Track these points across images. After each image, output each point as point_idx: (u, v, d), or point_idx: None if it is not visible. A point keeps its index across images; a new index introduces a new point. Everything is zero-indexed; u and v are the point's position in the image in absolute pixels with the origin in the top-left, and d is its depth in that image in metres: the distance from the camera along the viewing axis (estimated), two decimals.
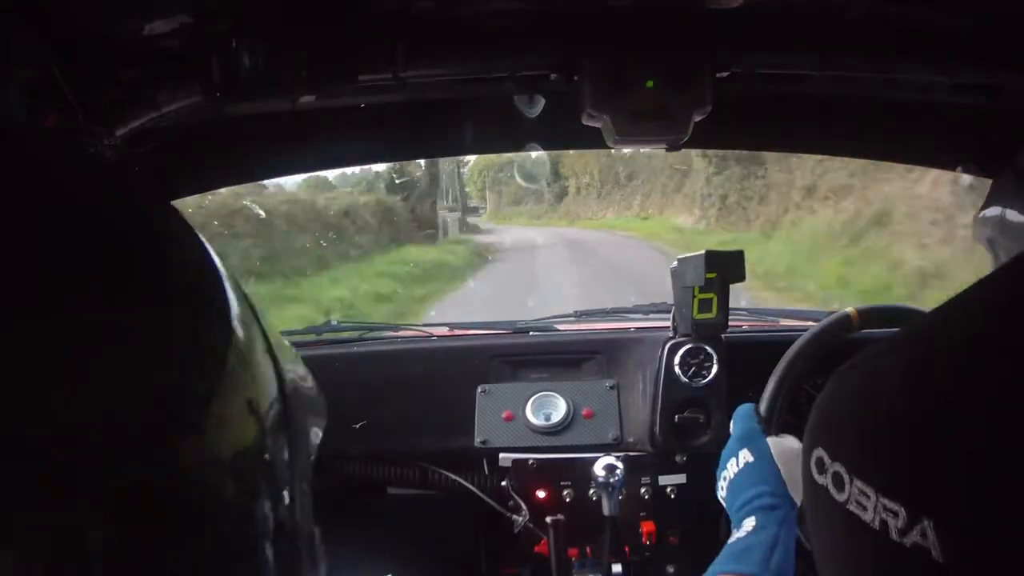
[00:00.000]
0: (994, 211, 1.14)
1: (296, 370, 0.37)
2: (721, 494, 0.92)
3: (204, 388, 0.26)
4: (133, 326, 0.25)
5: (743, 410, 0.98)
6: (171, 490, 0.24)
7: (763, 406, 1.01)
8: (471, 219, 30.04)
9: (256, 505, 0.29)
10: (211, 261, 0.30)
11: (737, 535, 0.81)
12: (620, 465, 1.23)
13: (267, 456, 0.30)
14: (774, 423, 1.00)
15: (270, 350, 0.32)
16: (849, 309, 1.11)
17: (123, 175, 0.33)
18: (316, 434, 0.38)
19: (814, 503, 0.35)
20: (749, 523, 0.81)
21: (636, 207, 21.93)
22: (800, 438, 0.52)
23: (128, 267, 0.26)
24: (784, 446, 0.91)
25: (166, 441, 0.25)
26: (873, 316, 1.09)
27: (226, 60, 0.78)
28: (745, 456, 0.89)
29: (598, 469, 1.23)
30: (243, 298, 0.32)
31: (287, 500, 0.32)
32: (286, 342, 0.38)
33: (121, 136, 0.87)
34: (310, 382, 0.41)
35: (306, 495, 0.34)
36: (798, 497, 0.85)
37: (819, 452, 0.35)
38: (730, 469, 0.90)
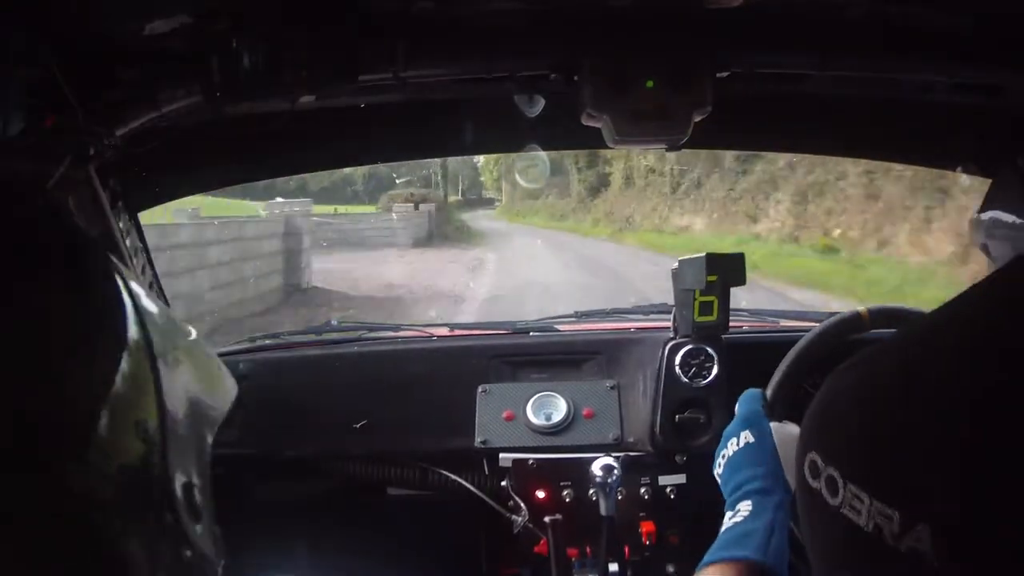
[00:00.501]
0: (991, 214, 1.15)
1: (188, 378, 0.39)
2: (717, 471, 0.92)
3: (88, 410, 0.28)
4: (21, 342, 0.27)
5: (750, 393, 0.99)
6: (58, 505, 0.26)
7: (769, 391, 1.02)
8: (483, 213, 28.83)
9: (145, 516, 0.31)
10: (109, 285, 0.33)
11: (733, 519, 0.81)
12: (617, 465, 1.23)
13: (155, 472, 0.32)
14: (778, 411, 1.00)
15: (154, 368, 0.34)
16: (860, 308, 1.11)
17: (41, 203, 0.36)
18: (207, 440, 0.39)
19: (808, 507, 0.35)
20: (745, 506, 0.81)
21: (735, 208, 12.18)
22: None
23: (24, 283, 0.28)
24: (785, 431, 0.91)
25: (52, 459, 0.27)
26: (883, 317, 1.10)
27: (226, 60, 0.78)
28: (746, 437, 0.90)
29: (595, 469, 1.23)
30: (137, 317, 0.34)
31: (180, 512, 0.34)
32: (190, 347, 0.40)
33: (121, 136, 0.87)
34: (208, 379, 0.42)
35: (203, 497, 0.35)
36: (792, 479, 0.86)
37: (813, 456, 0.35)
38: (730, 448, 0.91)
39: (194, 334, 0.43)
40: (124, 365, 0.31)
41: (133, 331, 0.33)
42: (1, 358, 0.26)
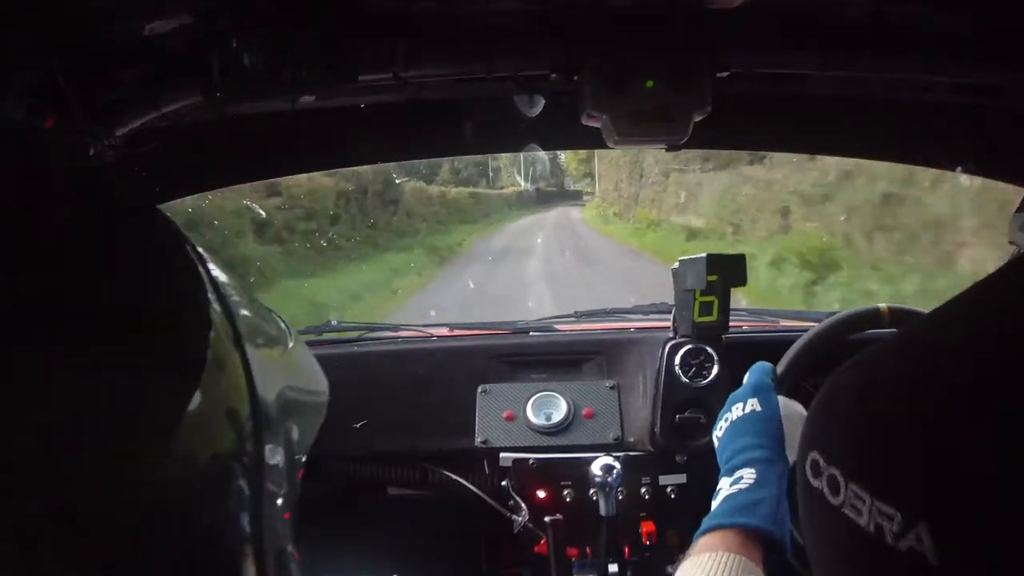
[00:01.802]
0: None
1: (281, 373, 0.38)
2: (717, 434, 0.91)
3: (177, 403, 0.27)
4: (109, 344, 0.26)
5: (761, 365, 0.99)
6: (143, 499, 0.26)
7: (780, 367, 1.02)
8: (570, 207, 29.02)
9: (232, 510, 0.30)
10: (195, 281, 0.32)
11: (737, 485, 0.80)
12: (617, 465, 1.24)
13: (245, 460, 0.31)
14: (786, 388, 1.00)
15: (245, 363, 0.33)
16: (881, 305, 1.12)
17: (116, 189, 0.34)
18: (300, 433, 0.38)
19: (809, 506, 0.35)
20: (748, 474, 0.80)
21: None
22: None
23: (106, 283, 0.27)
24: (791, 407, 0.91)
25: (140, 452, 0.26)
26: (905, 317, 1.11)
27: (226, 60, 0.78)
28: (753, 404, 0.89)
29: (595, 469, 1.23)
30: (225, 311, 0.33)
31: (262, 506, 0.32)
32: (287, 343, 0.39)
33: (121, 136, 0.87)
34: (304, 382, 0.41)
35: (285, 498, 0.34)
36: (793, 457, 0.85)
37: (814, 455, 0.35)
38: (735, 412, 0.90)
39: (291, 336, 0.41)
40: (212, 349, 0.30)
41: (218, 317, 0.31)
42: (86, 353, 0.25)
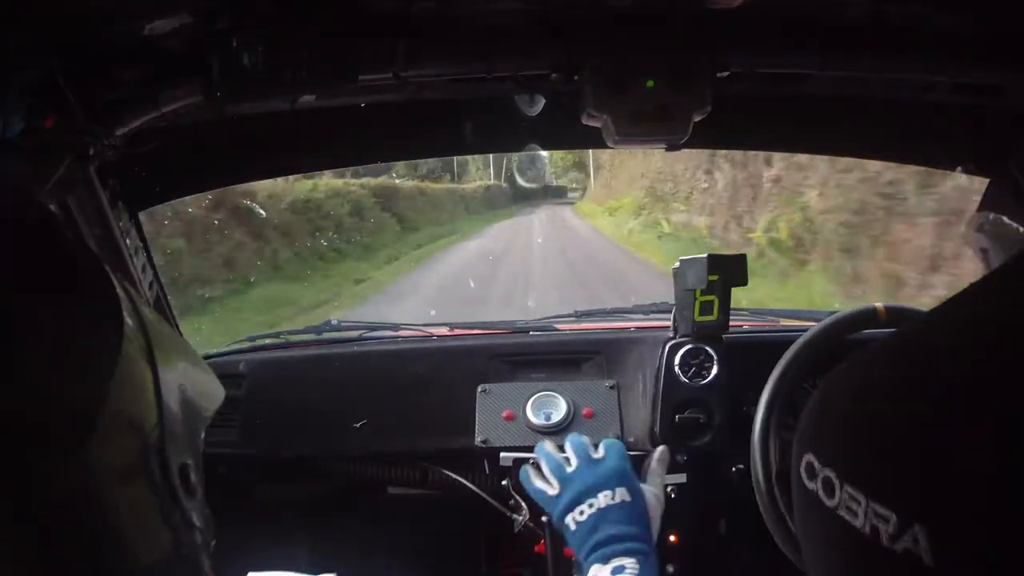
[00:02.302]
0: (986, 216, 1.15)
1: (185, 373, 0.41)
2: (576, 518, 0.92)
3: (87, 404, 0.30)
4: (24, 337, 0.29)
5: (615, 444, 1.02)
6: (54, 499, 0.29)
7: (779, 368, 1.05)
8: (557, 206, 27.39)
9: (142, 518, 0.34)
10: (108, 286, 0.35)
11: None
12: None
13: (150, 467, 0.34)
14: (785, 388, 1.03)
15: (155, 374, 0.36)
16: (877, 304, 1.12)
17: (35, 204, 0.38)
18: (199, 435, 0.42)
19: (804, 508, 0.35)
20: (629, 563, 0.83)
21: None
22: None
23: (23, 282, 0.30)
24: (651, 493, 0.96)
25: (51, 449, 0.29)
26: (902, 317, 1.10)
27: (226, 60, 0.78)
28: (623, 494, 0.92)
29: None
30: (135, 315, 0.36)
31: (177, 488, 0.36)
32: (179, 345, 0.43)
33: (121, 136, 0.87)
34: (199, 382, 0.44)
35: (196, 508, 0.39)
36: (652, 542, 0.91)
37: (809, 457, 0.34)
38: (603, 499, 0.92)
39: (183, 339, 0.44)
40: (124, 365, 0.32)
41: (132, 334, 0.34)
42: (7, 360, 0.28)
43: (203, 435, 0.43)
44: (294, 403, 1.38)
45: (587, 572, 0.85)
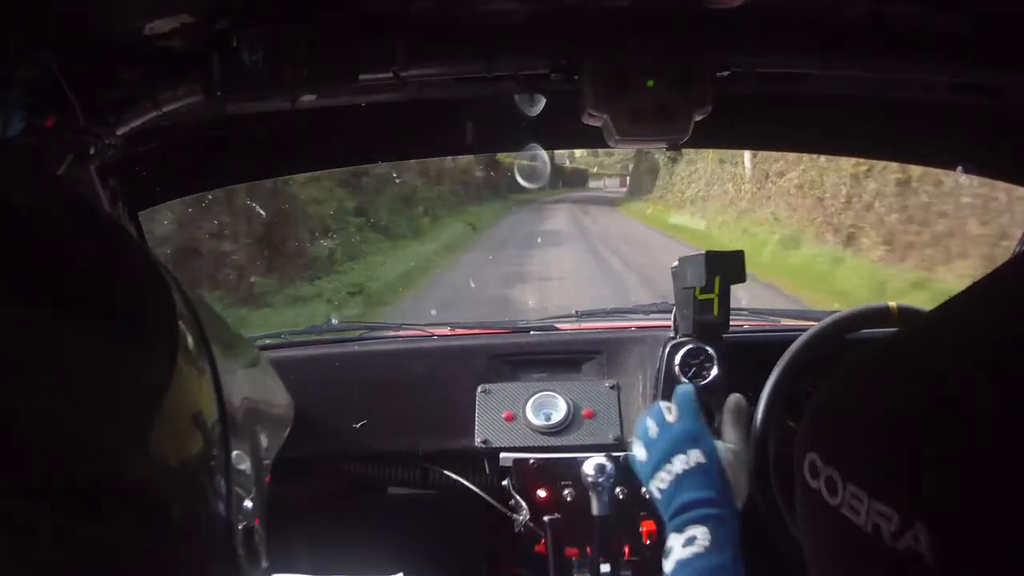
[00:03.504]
0: None
1: (248, 383, 0.40)
2: (659, 486, 0.88)
3: (149, 406, 0.29)
4: (85, 349, 0.28)
5: (686, 397, 0.95)
6: (120, 495, 0.27)
7: (781, 364, 1.04)
8: (580, 199, 23.29)
9: (202, 511, 0.32)
10: (165, 295, 0.34)
11: (690, 548, 0.78)
12: (609, 465, 1.23)
13: (212, 465, 0.33)
14: (786, 387, 1.02)
15: (214, 371, 0.35)
16: (891, 303, 1.12)
17: (92, 205, 0.37)
18: (269, 440, 0.41)
19: (807, 507, 0.35)
20: (701, 533, 0.78)
21: None
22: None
23: (85, 293, 0.29)
24: (728, 450, 0.90)
25: (114, 451, 0.28)
26: (914, 317, 1.10)
27: (226, 59, 0.78)
28: (697, 456, 0.86)
29: (587, 469, 1.23)
30: (194, 324, 0.35)
31: (234, 505, 0.35)
32: (249, 354, 0.42)
33: (121, 136, 0.87)
34: (269, 393, 0.43)
35: (253, 502, 0.37)
36: (739, 502, 0.85)
37: (812, 456, 0.35)
38: (676, 464, 0.87)
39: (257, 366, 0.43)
40: (181, 365, 0.32)
41: (190, 368, 0.33)
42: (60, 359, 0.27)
43: (279, 443, 0.42)
44: (294, 403, 1.38)
45: (667, 543, 0.82)
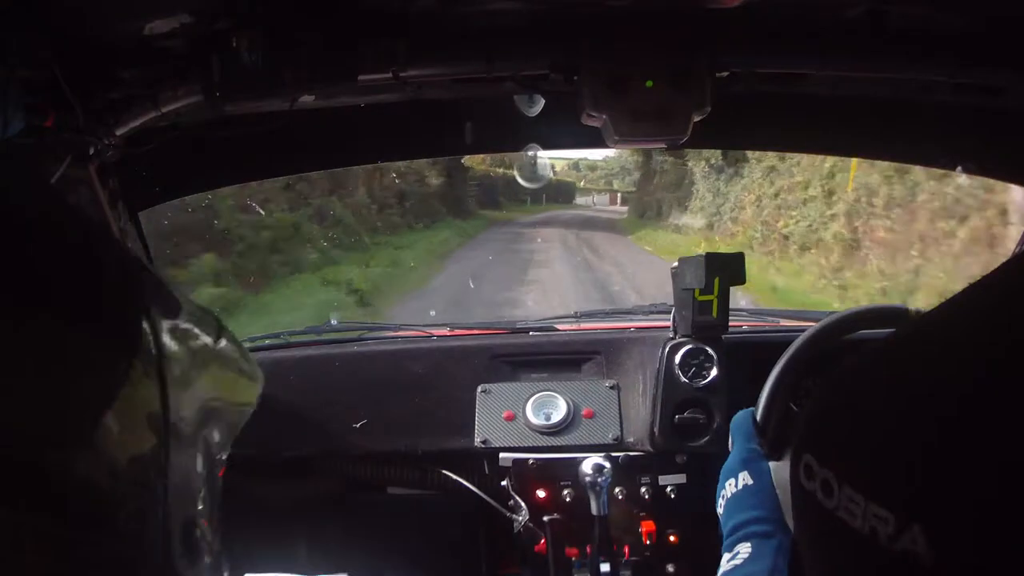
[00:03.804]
0: None
1: (204, 377, 0.40)
2: (719, 511, 0.91)
3: (95, 404, 0.30)
4: (33, 343, 0.28)
5: (741, 420, 0.98)
6: (63, 491, 0.28)
7: (782, 361, 1.02)
8: (570, 223, 16.74)
9: (136, 508, 0.32)
10: (123, 293, 0.34)
11: (733, 562, 0.79)
12: (607, 465, 1.24)
13: (151, 463, 0.33)
14: (788, 384, 1.01)
15: (160, 371, 0.35)
16: (911, 307, 1.12)
17: (54, 195, 0.37)
18: (220, 435, 0.41)
19: (802, 510, 0.35)
20: (744, 549, 0.80)
21: None
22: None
23: (36, 288, 0.29)
24: (783, 473, 0.90)
25: (57, 447, 0.28)
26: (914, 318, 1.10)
27: (226, 60, 0.78)
28: (744, 478, 0.89)
29: (585, 468, 1.23)
30: (151, 320, 0.35)
31: (173, 503, 0.35)
32: (212, 335, 0.42)
33: (121, 136, 0.87)
34: (229, 381, 0.43)
35: (204, 502, 0.37)
36: (779, 520, 0.86)
37: (808, 458, 0.34)
38: (728, 488, 0.90)
39: (209, 336, 0.43)
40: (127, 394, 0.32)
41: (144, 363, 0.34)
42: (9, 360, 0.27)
43: (223, 437, 0.42)
44: (294, 403, 1.38)
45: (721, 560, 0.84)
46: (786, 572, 0.78)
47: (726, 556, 0.82)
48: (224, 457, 0.42)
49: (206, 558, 0.37)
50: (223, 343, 0.43)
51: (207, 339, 0.41)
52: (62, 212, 0.35)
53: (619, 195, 29.07)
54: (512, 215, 20.14)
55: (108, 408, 0.30)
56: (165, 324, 0.36)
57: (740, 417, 0.99)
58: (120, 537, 0.31)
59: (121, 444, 0.31)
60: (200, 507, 0.37)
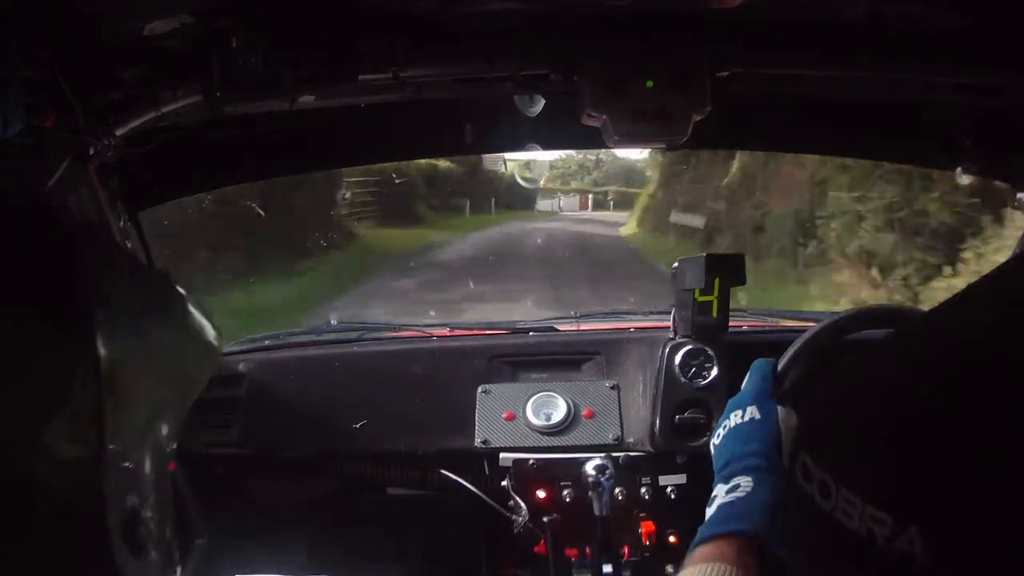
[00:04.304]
0: None
1: (152, 363, 0.40)
2: (714, 441, 0.90)
3: (41, 407, 0.31)
4: None
5: (761, 364, 0.96)
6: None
7: (786, 358, 1.02)
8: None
9: (78, 501, 0.34)
10: (63, 291, 0.35)
11: (734, 494, 0.78)
12: (610, 465, 1.23)
13: (88, 456, 0.34)
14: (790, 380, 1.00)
15: (96, 372, 0.35)
16: (912, 308, 1.11)
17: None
18: (167, 434, 0.41)
19: (799, 509, 0.35)
20: (745, 481, 0.79)
21: None
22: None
23: None
24: (791, 417, 0.88)
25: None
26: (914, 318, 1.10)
27: (226, 60, 0.78)
28: (752, 412, 0.87)
29: (588, 469, 1.23)
30: (89, 320, 0.36)
31: (112, 497, 0.36)
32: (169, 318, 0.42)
33: (121, 136, 0.87)
34: (177, 375, 0.44)
35: (153, 491, 0.38)
36: (779, 460, 0.84)
37: (805, 458, 0.34)
38: (733, 419, 0.88)
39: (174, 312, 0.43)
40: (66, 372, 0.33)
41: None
42: None
43: (172, 426, 0.42)
44: (294, 403, 1.38)
45: (712, 492, 0.82)
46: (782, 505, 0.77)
47: (722, 487, 0.80)
48: (172, 449, 0.43)
49: (152, 552, 0.37)
50: (187, 317, 0.43)
51: (162, 325, 0.42)
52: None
53: (590, 197, 25.74)
54: (426, 236, 11.89)
55: (49, 406, 0.30)
56: (111, 321, 0.36)
57: (761, 360, 0.97)
58: (53, 532, 0.31)
59: (58, 443, 0.32)
60: (146, 501, 0.38)
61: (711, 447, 0.91)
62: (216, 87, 0.80)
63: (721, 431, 0.89)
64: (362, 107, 1.07)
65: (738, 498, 0.77)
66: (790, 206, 8.14)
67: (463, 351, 1.45)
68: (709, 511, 0.78)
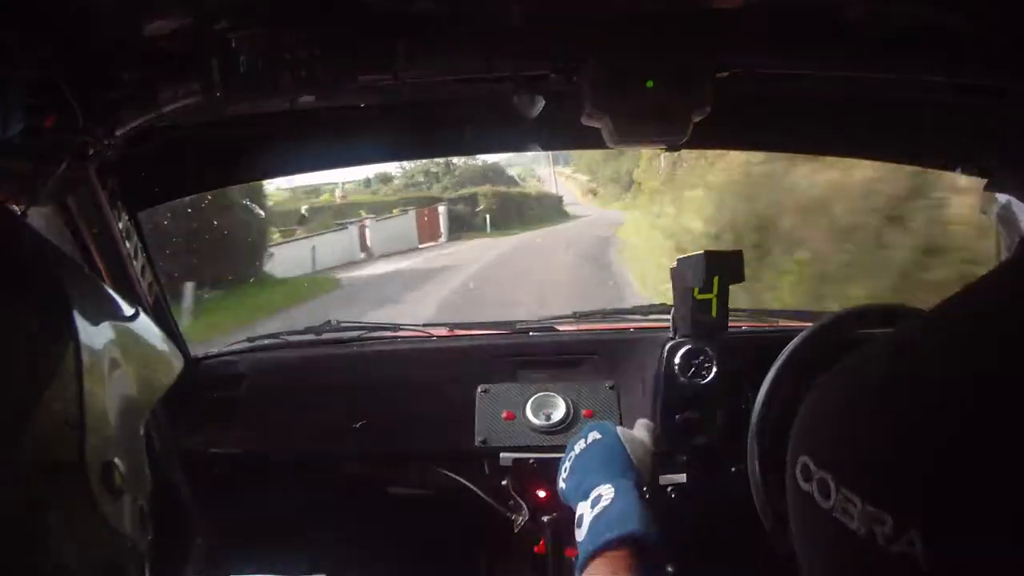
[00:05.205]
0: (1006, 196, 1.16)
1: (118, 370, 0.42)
2: (563, 476, 0.92)
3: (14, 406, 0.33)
4: None
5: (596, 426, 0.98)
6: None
7: (784, 356, 1.03)
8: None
9: (55, 449, 0.36)
10: (48, 301, 0.37)
11: (600, 504, 0.79)
12: None
13: (67, 408, 0.36)
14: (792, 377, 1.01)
15: (78, 373, 0.38)
16: (912, 307, 1.12)
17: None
18: (144, 387, 0.43)
19: (799, 510, 0.35)
20: (606, 490, 0.80)
21: None
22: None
23: None
24: (629, 434, 0.93)
25: None
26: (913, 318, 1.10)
27: (226, 60, 0.78)
28: (593, 436, 0.91)
29: None
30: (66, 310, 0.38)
31: (89, 444, 0.38)
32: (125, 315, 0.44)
33: (121, 136, 0.87)
34: (145, 348, 0.46)
35: (122, 438, 0.41)
36: (642, 469, 0.88)
37: (804, 459, 0.34)
38: (576, 449, 0.92)
39: (134, 323, 0.45)
40: (45, 363, 0.34)
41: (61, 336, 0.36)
42: None
43: (142, 421, 0.44)
44: (293, 403, 1.38)
45: (577, 514, 0.83)
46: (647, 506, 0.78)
47: (584, 504, 0.81)
48: (147, 407, 0.45)
49: (126, 496, 0.39)
50: (139, 323, 0.45)
51: (124, 322, 0.43)
52: None
53: (440, 210, 15.91)
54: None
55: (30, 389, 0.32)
56: (84, 312, 0.38)
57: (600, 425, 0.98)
58: (40, 475, 0.34)
59: (38, 392, 0.34)
60: (116, 445, 0.40)
61: (560, 485, 0.93)
62: (216, 87, 0.80)
63: (567, 464, 0.92)
64: (362, 107, 1.07)
65: (605, 507, 0.78)
66: None
67: (463, 351, 1.45)
68: (580, 533, 0.79)
